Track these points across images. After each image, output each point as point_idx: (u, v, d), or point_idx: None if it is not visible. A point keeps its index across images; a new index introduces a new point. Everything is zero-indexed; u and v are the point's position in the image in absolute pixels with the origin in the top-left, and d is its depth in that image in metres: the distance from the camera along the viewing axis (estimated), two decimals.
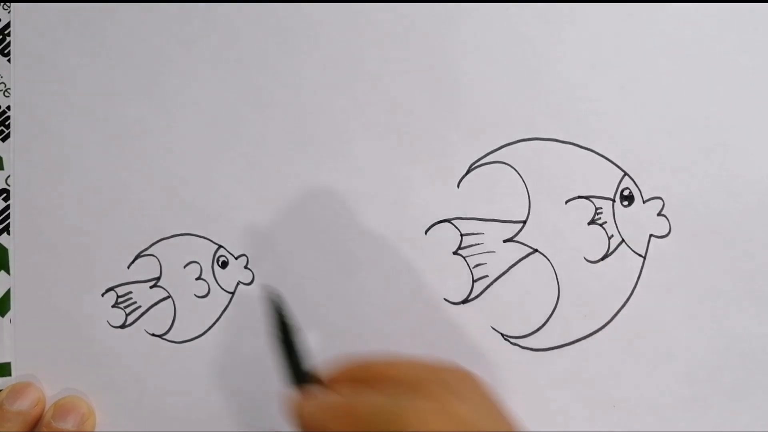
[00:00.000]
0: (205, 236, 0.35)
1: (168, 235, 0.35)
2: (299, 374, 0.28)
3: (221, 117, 0.35)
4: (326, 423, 0.25)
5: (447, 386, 0.26)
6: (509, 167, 0.34)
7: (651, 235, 0.34)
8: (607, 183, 0.34)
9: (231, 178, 0.35)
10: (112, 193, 0.35)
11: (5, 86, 0.35)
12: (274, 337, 0.29)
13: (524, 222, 0.34)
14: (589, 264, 0.34)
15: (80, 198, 0.35)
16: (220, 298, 0.35)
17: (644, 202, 0.34)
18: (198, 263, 0.35)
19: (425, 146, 0.35)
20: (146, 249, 0.35)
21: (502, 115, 0.35)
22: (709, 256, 0.34)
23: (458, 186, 0.35)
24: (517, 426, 0.26)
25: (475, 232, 0.34)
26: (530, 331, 0.34)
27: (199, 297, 0.35)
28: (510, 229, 0.34)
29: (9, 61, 0.35)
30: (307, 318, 0.34)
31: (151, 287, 0.35)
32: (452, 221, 0.34)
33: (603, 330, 0.34)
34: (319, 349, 0.34)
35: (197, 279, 0.35)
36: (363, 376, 0.27)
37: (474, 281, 0.34)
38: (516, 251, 0.34)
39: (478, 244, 0.34)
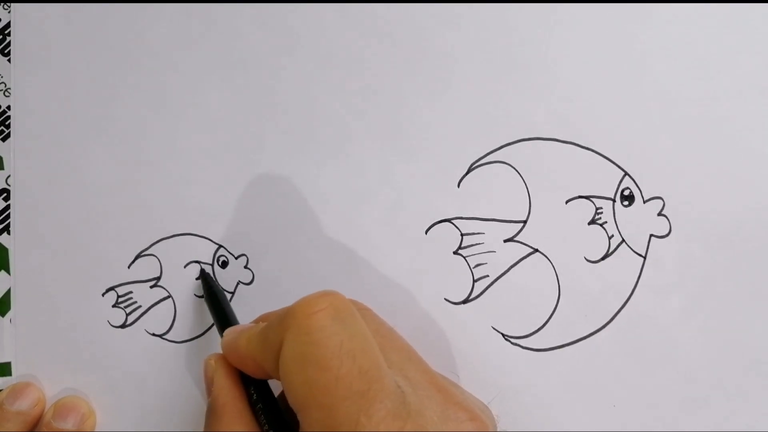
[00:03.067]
0: (206, 236, 0.35)
1: (168, 235, 0.35)
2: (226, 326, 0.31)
3: (221, 116, 0.35)
4: (238, 343, 0.28)
5: None
6: (509, 167, 0.34)
7: (651, 235, 0.34)
8: (607, 183, 0.34)
9: (231, 178, 0.35)
10: (113, 193, 0.35)
11: (5, 86, 0.35)
12: (207, 300, 0.34)
13: (525, 222, 0.34)
14: (590, 264, 0.34)
15: (80, 198, 0.35)
16: None
17: (645, 202, 0.34)
18: (198, 263, 0.35)
19: (425, 146, 0.35)
20: (146, 249, 0.35)
21: (502, 115, 0.35)
22: (709, 256, 0.34)
23: (458, 186, 0.35)
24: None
25: (476, 231, 0.34)
26: (531, 331, 0.34)
27: (199, 297, 0.35)
28: (510, 229, 0.34)
29: (9, 61, 0.35)
30: None
31: (151, 287, 0.35)
32: (452, 221, 0.34)
33: (603, 330, 0.34)
34: None
35: (197, 279, 0.35)
36: None
37: (474, 281, 0.34)
38: (516, 251, 0.34)
39: (479, 243, 0.34)
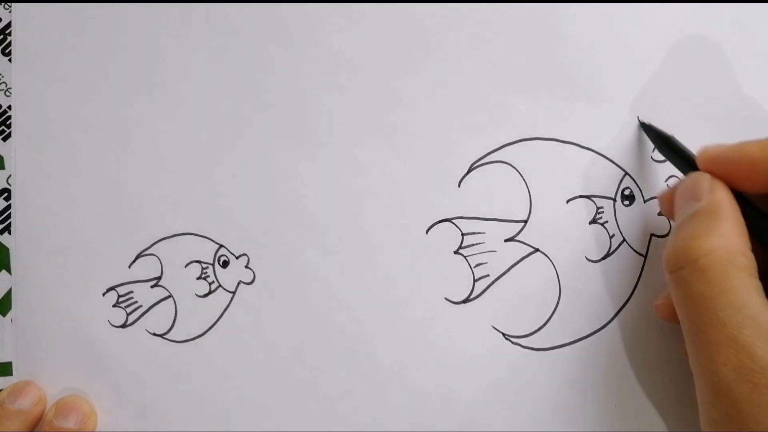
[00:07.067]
0: (206, 236, 0.35)
1: (169, 235, 0.35)
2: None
3: (222, 117, 0.35)
4: (745, 151, 0.29)
5: None
6: (510, 167, 0.35)
7: (652, 235, 0.34)
8: (607, 182, 0.34)
9: (231, 178, 0.35)
10: (113, 192, 0.35)
11: (6, 86, 0.35)
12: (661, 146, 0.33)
13: (525, 221, 0.34)
14: (591, 263, 0.34)
15: (81, 197, 0.35)
16: (221, 298, 0.35)
17: (645, 201, 0.34)
18: (199, 263, 0.35)
19: (426, 146, 0.35)
20: (147, 248, 0.35)
21: (502, 115, 0.35)
22: None
23: (459, 185, 0.35)
24: None
25: (476, 231, 0.34)
26: (531, 331, 0.34)
27: (200, 296, 0.35)
28: (511, 229, 0.34)
29: (10, 60, 0.35)
30: (307, 318, 0.34)
31: (152, 287, 0.35)
32: (453, 221, 0.35)
33: (604, 330, 0.34)
34: (319, 350, 0.34)
35: (198, 278, 0.35)
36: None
37: (475, 281, 0.34)
38: (517, 251, 0.34)
39: (479, 243, 0.34)
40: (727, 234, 0.27)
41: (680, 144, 0.32)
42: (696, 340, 0.26)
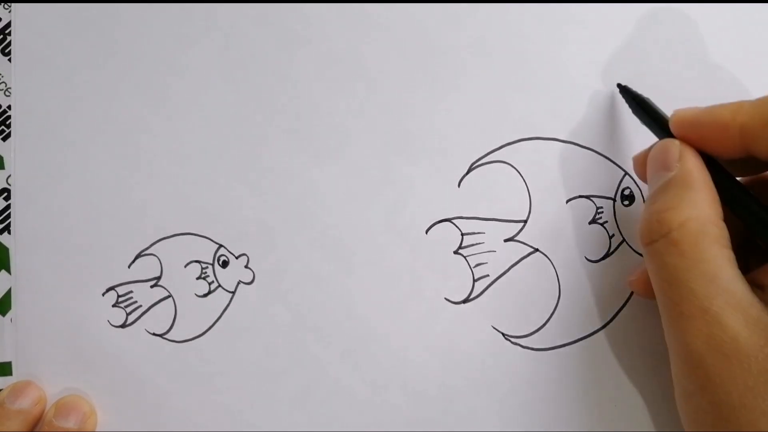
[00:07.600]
0: (206, 236, 0.35)
1: (168, 235, 0.35)
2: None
3: (222, 116, 0.35)
4: (716, 116, 0.28)
5: None
6: (510, 167, 0.35)
7: None
8: (607, 182, 0.34)
9: (231, 178, 0.35)
10: (113, 192, 0.35)
11: (6, 86, 0.35)
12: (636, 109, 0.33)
13: (525, 221, 0.34)
14: (590, 263, 0.34)
15: (81, 197, 0.35)
16: (220, 298, 0.35)
17: (645, 201, 0.34)
18: (198, 262, 0.35)
19: (425, 146, 0.35)
20: (147, 248, 0.35)
21: (502, 114, 0.35)
22: None
23: (459, 185, 0.35)
24: None
25: (476, 231, 0.34)
26: (531, 331, 0.34)
27: (199, 296, 0.35)
28: (511, 229, 0.34)
29: (9, 60, 0.35)
30: (307, 318, 0.34)
31: (151, 287, 0.35)
32: (453, 221, 0.35)
33: (603, 330, 0.34)
34: (319, 350, 0.34)
35: (198, 278, 0.35)
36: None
37: (475, 281, 0.34)
38: (517, 251, 0.34)
39: (479, 243, 0.34)
40: (698, 204, 0.27)
41: (655, 107, 0.32)
42: (669, 312, 0.26)
